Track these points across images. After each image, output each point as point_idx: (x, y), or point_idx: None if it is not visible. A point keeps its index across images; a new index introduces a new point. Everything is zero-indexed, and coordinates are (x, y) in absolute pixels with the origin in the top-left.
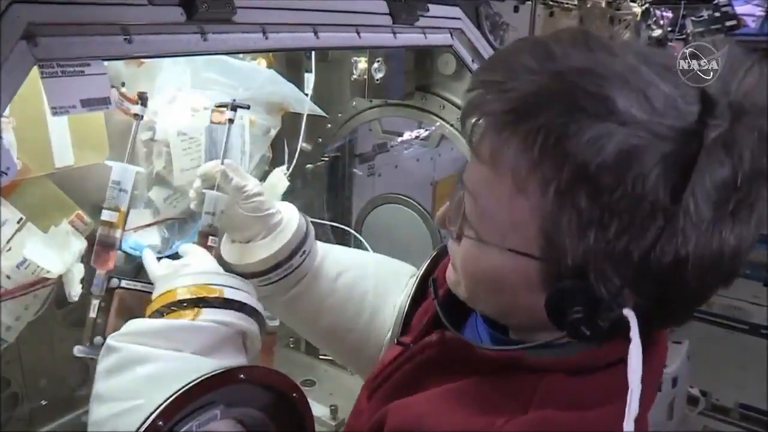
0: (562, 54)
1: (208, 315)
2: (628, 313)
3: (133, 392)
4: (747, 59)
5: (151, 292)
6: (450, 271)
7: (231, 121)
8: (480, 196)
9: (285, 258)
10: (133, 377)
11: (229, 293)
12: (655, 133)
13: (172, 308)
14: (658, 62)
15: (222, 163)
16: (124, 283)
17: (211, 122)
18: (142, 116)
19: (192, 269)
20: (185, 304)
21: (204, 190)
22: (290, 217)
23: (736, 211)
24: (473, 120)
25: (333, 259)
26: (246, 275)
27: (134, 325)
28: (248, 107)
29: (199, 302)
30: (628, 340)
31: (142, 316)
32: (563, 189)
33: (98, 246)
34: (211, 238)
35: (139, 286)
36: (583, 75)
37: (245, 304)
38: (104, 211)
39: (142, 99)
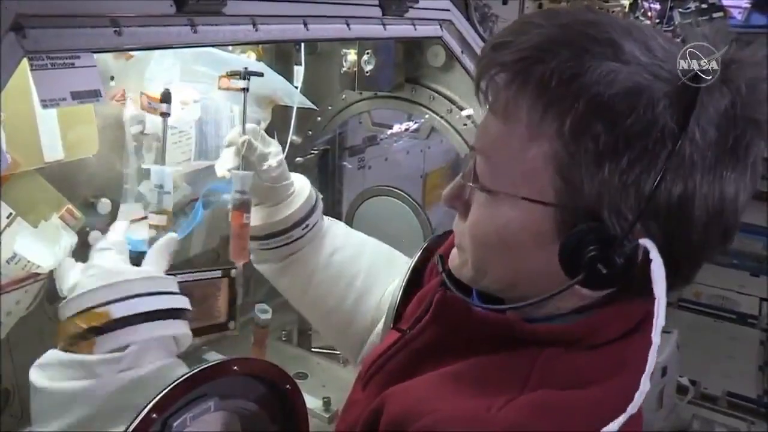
0: (567, 13)
1: (103, 344)
2: (645, 242)
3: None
4: (730, 33)
5: (203, 279)
6: (454, 255)
7: (245, 90)
8: (492, 153)
9: (286, 228)
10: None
11: (117, 311)
12: (657, 75)
13: (72, 341)
14: (656, 30)
15: (244, 133)
16: (178, 278)
17: (219, 88)
18: (169, 113)
19: (88, 281)
20: (81, 337)
21: (232, 171)
22: (301, 190)
23: (734, 148)
24: (487, 76)
25: (333, 235)
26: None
27: (54, 357)
28: (262, 75)
29: (91, 332)
30: (628, 308)
31: (201, 301)
32: (579, 120)
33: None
34: (245, 215)
35: (189, 277)
36: (589, 25)
37: (144, 312)
38: (151, 216)
39: (166, 97)
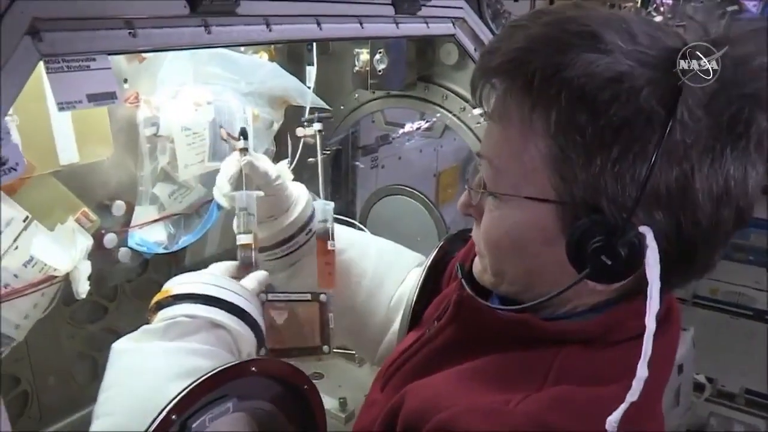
0: (551, 12)
1: (159, 315)
2: (644, 229)
3: (113, 381)
4: (721, 10)
5: (294, 300)
6: (477, 262)
7: (320, 132)
8: (495, 157)
9: (291, 235)
10: (115, 369)
11: (178, 289)
12: (640, 61)
13: (150, 314)
14: (641, 18)
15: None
16: (270, 296)
17: (298, 136)
18: (247, 149)
19: None
20: (151, 311)
21: (314, 202)
22: (299, 197)
23: (731, 125)
24: (480, 84)
25: (336, 237)
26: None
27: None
28: (331, 117)
29: (156, 308)
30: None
31: (291, 322)
32: (563, 115)
33: (241, 266)
34: (329, 242)
35: (282, 296)
36: (570, 21)
37: (202, 295)
38: (240, 236)
39: (244, 134)
